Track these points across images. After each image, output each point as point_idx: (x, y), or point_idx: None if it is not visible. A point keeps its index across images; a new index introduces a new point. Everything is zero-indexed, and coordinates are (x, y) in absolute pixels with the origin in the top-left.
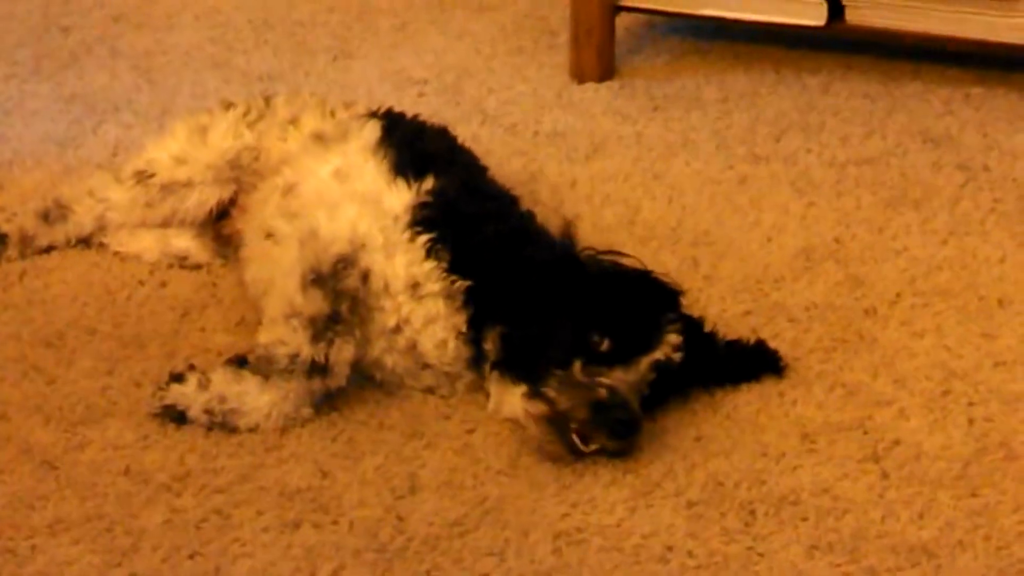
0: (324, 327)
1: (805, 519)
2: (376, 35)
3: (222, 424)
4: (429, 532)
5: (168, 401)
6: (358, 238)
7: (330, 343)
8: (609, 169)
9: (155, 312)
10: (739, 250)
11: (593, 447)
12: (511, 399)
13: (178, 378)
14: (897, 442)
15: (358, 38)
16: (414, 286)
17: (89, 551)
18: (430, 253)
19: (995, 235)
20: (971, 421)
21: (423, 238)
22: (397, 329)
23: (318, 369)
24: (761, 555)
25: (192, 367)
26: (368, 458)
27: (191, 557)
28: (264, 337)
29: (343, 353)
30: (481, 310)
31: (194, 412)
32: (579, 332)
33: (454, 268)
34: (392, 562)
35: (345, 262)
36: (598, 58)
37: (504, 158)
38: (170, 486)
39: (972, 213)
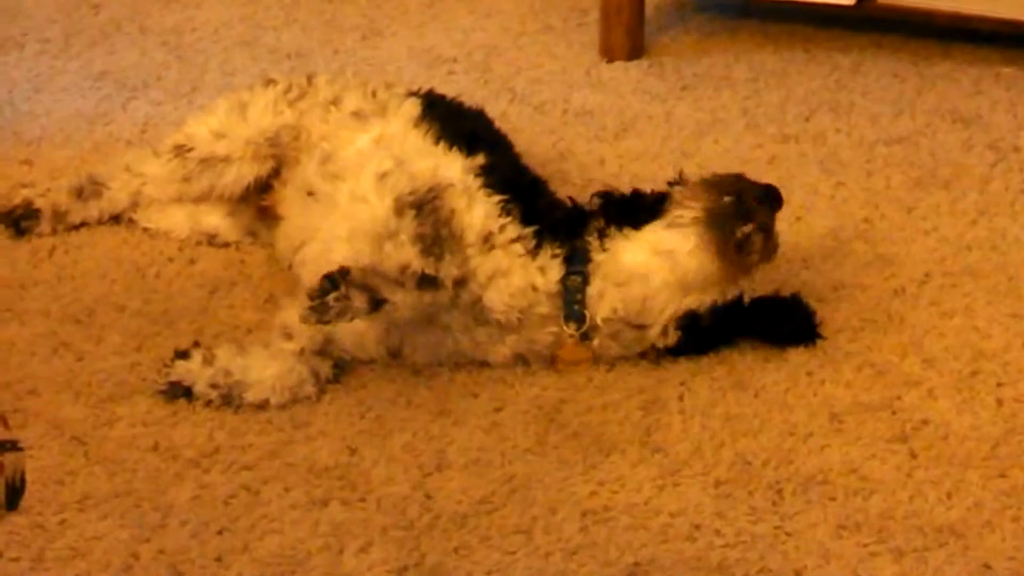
0: (432, 243)
1: (833, 499)
2: (405, 13)
3: (227, 397)
4: (457, 510)
5: (173, 378)
6: (442, 178)
7: (439, 258)
8: (638, 148)
9: (184, 289)
10: None
11: (748, 228)
12: (643, 235)
13: (183, 355)
14: (925, 422)
15: (387, 16)
16: (486, 238)
17: (118, 526)
18: (503, 211)
19: None
20: (1000, 402)
21: (496, 198)
22: (461, 282)
23: (428, 281)
24: (789, 534)
25: (197, 344)
26: (396, 435)
27: (219, 533)
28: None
29: (451, 269)
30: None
31: (200, 387)
32: None
33: (524, 223)
34: (420, 539)
35: (435, 191)
36: (627, 36)
37: (533, 136)
38: (198, 462)
39: (1002, 194)
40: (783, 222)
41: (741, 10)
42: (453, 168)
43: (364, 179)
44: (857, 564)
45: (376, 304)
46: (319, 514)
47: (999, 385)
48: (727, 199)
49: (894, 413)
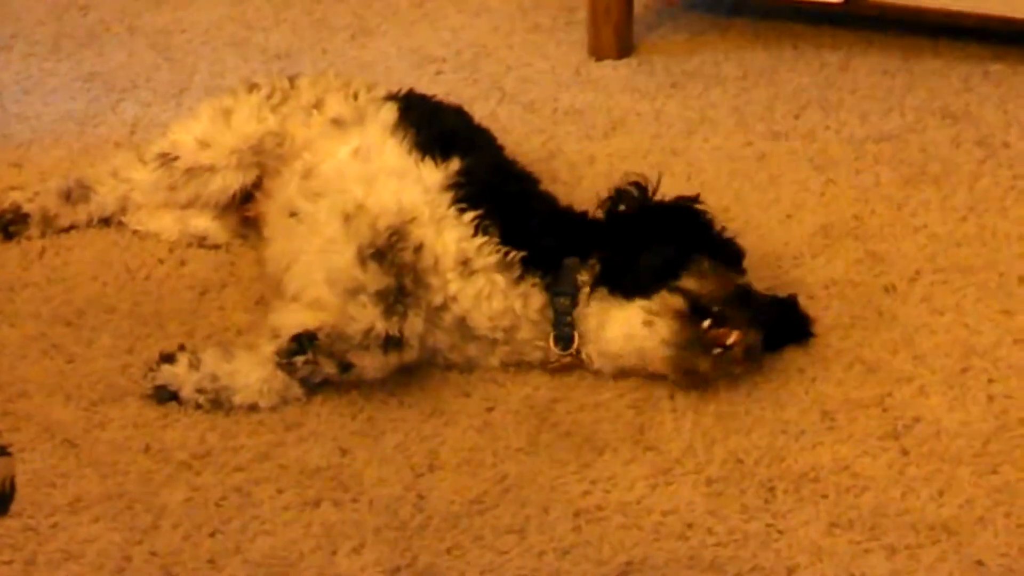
0: (394, 301)
1: (825, 496)
2: (395, 13)
3: (215, 402)
4: (449, 510)
5: (159, 382)
6: (406, 211)
7: (403, 316)
8: (628, 146)
9: (174, 291)
10: (758, 227)
11: (730, 341)
12: (624, 313)
13: (168, 359)
14: (917, 419)
15: (377, 16)
16: (464, 263)
17: (110, 529)
18: (478, 230)
19: (1015, 212)
20: (991, 398)
21: (470, 215)
22: (443, 307)
23: (394, 343)
24: (781, 532)
25: (182, 347)
26: (388, 436)
27: (211, 535)
28: (295, 318)
29: (416, 326)
30: (549, 268)
31: (186, 392)
32: (684, 252)
33: (506, 242)
34: (412, 540)
35: (398, 235)
36: (616, 35)
37: (522, 136)
38: (190, 464)
39: (991, 190)
40: (773, 219)
41: (730, 8)
42: (419, 189)
43: (333, 220)
44: (850, 562)
45: (345, 368)
46: (311, 515)
47: (990, 381)
48: (706, 323)
49: (885, 410)
